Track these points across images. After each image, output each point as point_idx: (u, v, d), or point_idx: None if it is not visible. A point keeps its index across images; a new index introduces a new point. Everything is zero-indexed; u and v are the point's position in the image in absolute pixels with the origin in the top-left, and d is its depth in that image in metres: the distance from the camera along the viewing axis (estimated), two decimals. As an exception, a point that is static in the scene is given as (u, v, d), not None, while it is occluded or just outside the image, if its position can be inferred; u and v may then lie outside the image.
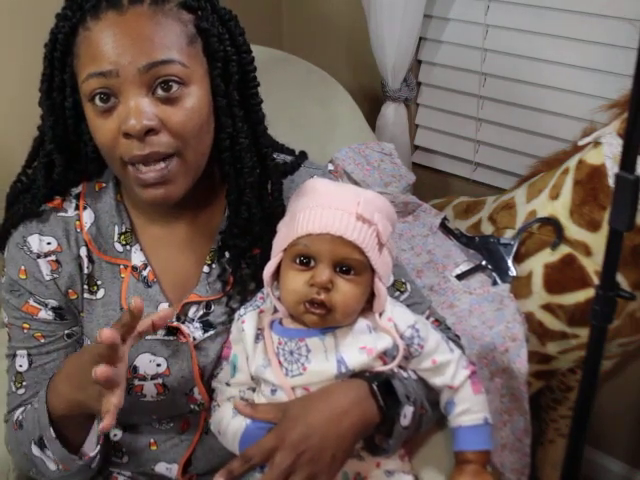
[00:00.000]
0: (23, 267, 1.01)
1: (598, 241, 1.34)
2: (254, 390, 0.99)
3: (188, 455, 1.05)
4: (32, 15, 1.40)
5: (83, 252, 1.02)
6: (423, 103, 1.92)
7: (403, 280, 1.09)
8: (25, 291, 1.02)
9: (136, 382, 1.00)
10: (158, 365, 1.00)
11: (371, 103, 1.91)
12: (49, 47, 0.94)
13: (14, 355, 1.03)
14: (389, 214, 0.95)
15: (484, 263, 1.48)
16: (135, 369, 1.00)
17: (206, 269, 1.02)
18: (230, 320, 1.01)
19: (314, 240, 0.90)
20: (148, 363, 1.00)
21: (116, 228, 1.02)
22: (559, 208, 1.42)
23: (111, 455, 1.08)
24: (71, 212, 1.03)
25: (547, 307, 1.43)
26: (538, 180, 1.51)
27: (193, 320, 1.02)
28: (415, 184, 1.67)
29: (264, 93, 1.01)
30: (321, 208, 0.91)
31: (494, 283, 1.46)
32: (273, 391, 0.94)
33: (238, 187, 0.99)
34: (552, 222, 1.42)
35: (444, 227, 1.56)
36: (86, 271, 1.02)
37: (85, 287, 1.02)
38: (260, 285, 1.00)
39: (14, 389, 1.03)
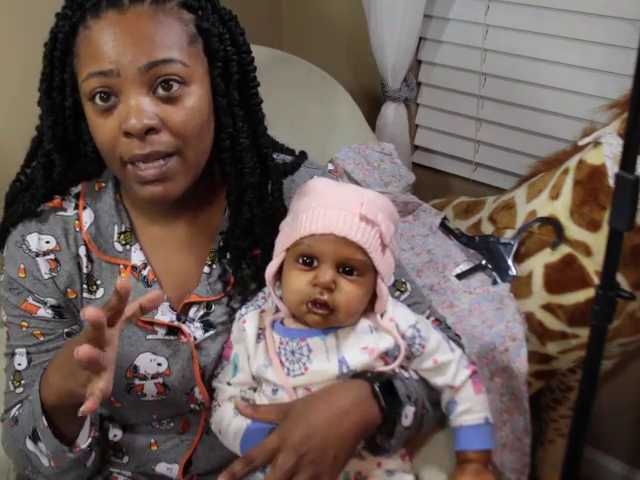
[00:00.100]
0: (22, 265, 1.01)
1: (598, 241, 1.34)
2: (255, 390, 0.99)
3: (189, 455, 1.05)
4: (32, 15, 1.39)
5: (82, 251, 1.02)
6: (423, 103, 1.92)
7: (403, 280, 1.09)
8: (24, 289, 1.01)
9: (137, 381, 1.00)
10: (159, 365, 1.00)
11: (371, 103, 1.91)
12: (49, 46, 0.94)
13: (13, 354, 1.03)
14: (392, 214, 0.95)
15: (484, 263, 1.48)
16: (136, 368, 1.00)
17: (207, 269, 1.02)
18: (231, 320, 1.01)
19: (317, 240, 0.90)
20: (149, 362, 1.00)
21: (115, 228, 1.02)
22: (559, 208, 1.42)
23: (111, 455, 1.08)
24: (70, 211, 1.03)
25: (547, 307, 1.43)
26: (538, 180, 1.51)
27: (194, 320, 1.02)
28: (415, 184, 1.67)
29: (264, 93, 1.01)
30: (324, 208, 0.91)
31: (494, 283, 1.46)
32: (274, 391, 0.94)
33: (239, 187, 0.99)
34: (552, 222, 1.42)
35: (444, 227, 1.57)
36: (85, 270, 1.02)
37: (84, 287, 1.02)
38: (261, 285, 1.00)
39: (12, 388, 1.03)
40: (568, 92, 1.63)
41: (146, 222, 1.04)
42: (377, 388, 0.92)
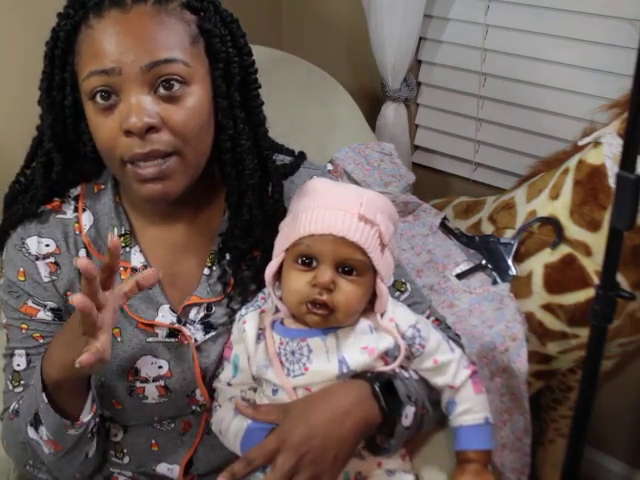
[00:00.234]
0: (22, 269, 1.01)
1: (598, 241, 1.34)
2: (255, 390, 0.99)
3: (189, 456, 1.05)
4: (32, 16, 1.39)
5: (82, 254, 1.01)
6: (423, 103, 1.92)
7: (403, 280, 1.09)
8: (23, 292, 1.01)
9: (138, 384, 1.00)
10: (160, 367, 1.00)
11: (371, 103, 1.91)
12: (50, 45, 0.94)
13: (12, 354, 1.03)
14: (391, 214, 0.95)
15: (484, 262, 1.48)
16: (137, 371, 1.00)
17: (206, 271, 1.02)
18: (231, 321, 1.01)
19: (316, 240, 0.90)
20: (150, 365, 1.00)
21: (115, 230, 1.02)
22: (559, 208, 1.42)
23: (112, 455, 1.08)
24: (70, 214, 1.03)
25: (547, 307, 1.43)
26: (538, 180, 1.51)
27: (194, 322, 1.02)
28: (415, 184, 1.67)
29: (264, 93, 1.01)
30: (323, 208, 0.91)
31: (494, 282, 1.46)
32: (274, 391, 0.94)
33: (239, 189, 0.99)
34: (552, 222, 1.42)
35: (444, 227, 1.57)
36: None
37: (85, 289, 1.02)
38: (261, 286, 1.00)
39: (11, 387, 1.03)
40: (568, 92, 1.63)
41: (145, 224, 1.03)
42: (377, 388, 0.92)
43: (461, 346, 1.07)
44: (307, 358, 0.93)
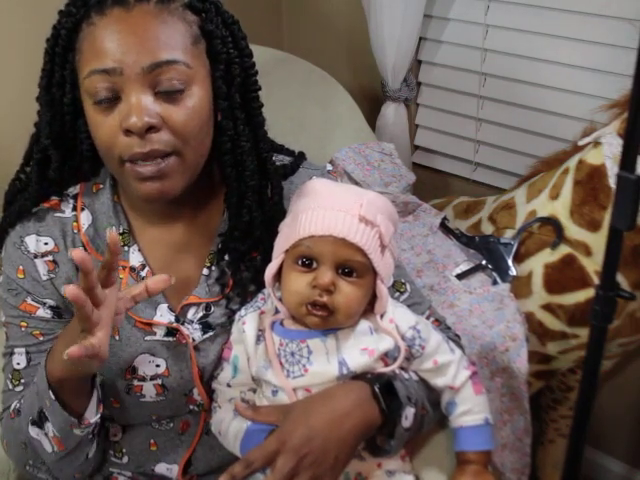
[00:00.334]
0: (21, 266, 1.01)
1: (598, 241, 1.34)
2: (255, 391, 0.99)
3: (188, 456, 1.05)
4: (32, 16, 1.39)
5: None
6: (423, 103, 1.92)
7: (403, 281, 1.09)
8: (23, 290, 1.01)
9: (135, 382, 1.00)
10: (157, 366, 1.00)
11: (371, 103, 1.91)
12: (51, 42, 0.94)
13: (11, 353, 1.03)
14: (391, 215, 0.95)
15: (484, 263, 1.48)
16: (134, 369, 1.00)
17: (205, 271, 1.02)
18: (230, 321, 1.01)
19: (316, 242, 0.90)
20: (147, 364, 1.00)
21: (114, 229, 1.02)
22: (559, 208, 1.42)
23: (111, 455, 1.08)
24: (68, 213, 1.03)
25: (547, 307, 1.43)
26: (538, 180, 1.51)
27: (192, 321, 1.02)
28: (415, 184, 1.67)
29: (264, 93, 1.01)
30: (323, 209, 0.91)
31: (494, 283, 1.46)
32: (274, 392, 0.94)
33: (239, 190, 0.99)
34: (552, 222, 1.42)
35: (444, 227, 1.56)
36: None
37: (83, 288, 1.02)
38: (260, 287, 1.00)
39: (11, 387, 1.03)
40: (568, 92, 1.63)
41: (144, 223, 1.03)
42: (377, 389, 0.92)
43: (461, 347, 1.07)
44: (307, 359, 0.93)
